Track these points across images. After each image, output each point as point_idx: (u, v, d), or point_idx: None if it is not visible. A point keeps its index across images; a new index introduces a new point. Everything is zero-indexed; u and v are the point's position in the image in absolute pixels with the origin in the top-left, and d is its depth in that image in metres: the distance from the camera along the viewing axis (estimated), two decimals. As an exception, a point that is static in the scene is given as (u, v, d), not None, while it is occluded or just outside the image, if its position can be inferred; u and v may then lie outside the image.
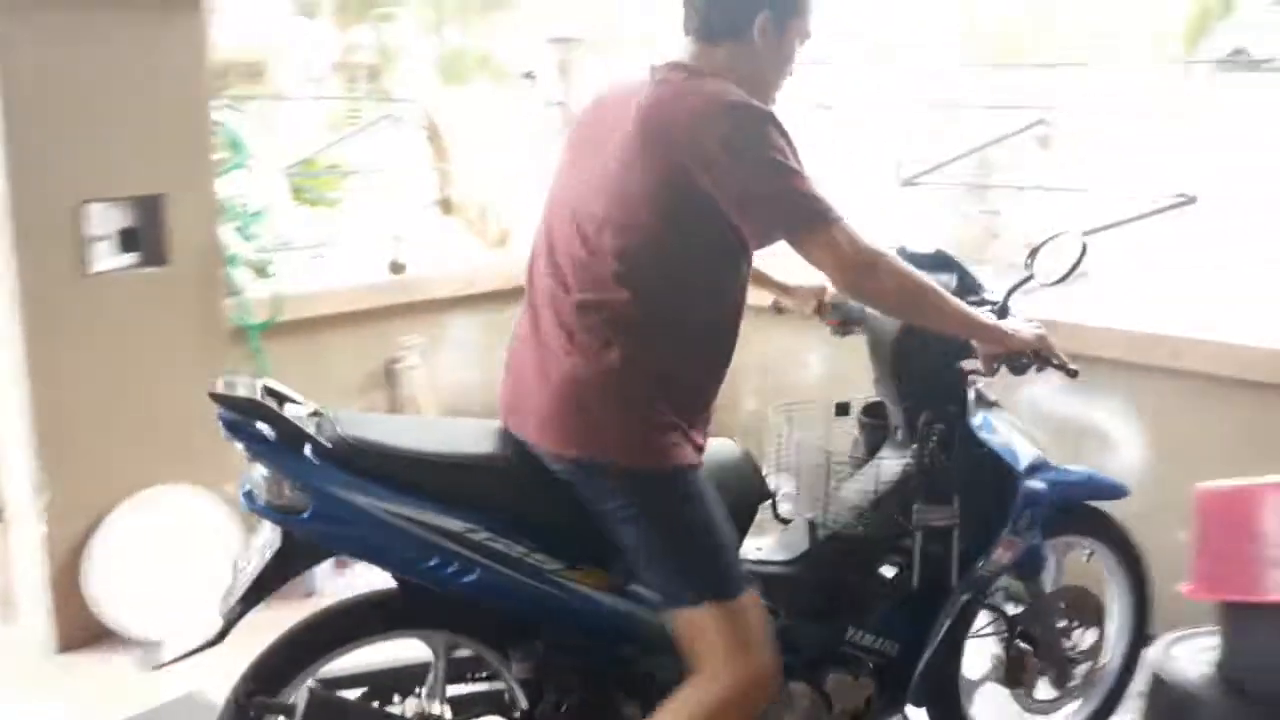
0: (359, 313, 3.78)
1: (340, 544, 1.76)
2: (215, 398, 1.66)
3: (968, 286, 2.12)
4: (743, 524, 1.91)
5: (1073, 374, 1.91)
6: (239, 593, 1.70)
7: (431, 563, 1.71)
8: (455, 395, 4.13)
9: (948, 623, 2.16)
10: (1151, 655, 2.01)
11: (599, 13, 4.36)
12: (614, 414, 1.72)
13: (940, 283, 1.87)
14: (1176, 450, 3.02)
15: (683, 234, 1.71)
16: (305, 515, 1.67)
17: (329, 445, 1.69)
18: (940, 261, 2.16)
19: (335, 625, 1.81)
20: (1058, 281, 2.06)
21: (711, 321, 1.80)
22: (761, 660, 1.74)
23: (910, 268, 1.76)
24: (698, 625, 1.73)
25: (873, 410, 2.22)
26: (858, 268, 1.70)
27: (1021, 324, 1.93)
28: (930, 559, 2.02)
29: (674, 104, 1.71)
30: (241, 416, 1.67)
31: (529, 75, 4.46)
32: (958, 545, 2.01)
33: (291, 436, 1.67)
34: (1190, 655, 2.01)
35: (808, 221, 1.68)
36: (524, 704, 1.84)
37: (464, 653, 1.87)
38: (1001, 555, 2.14)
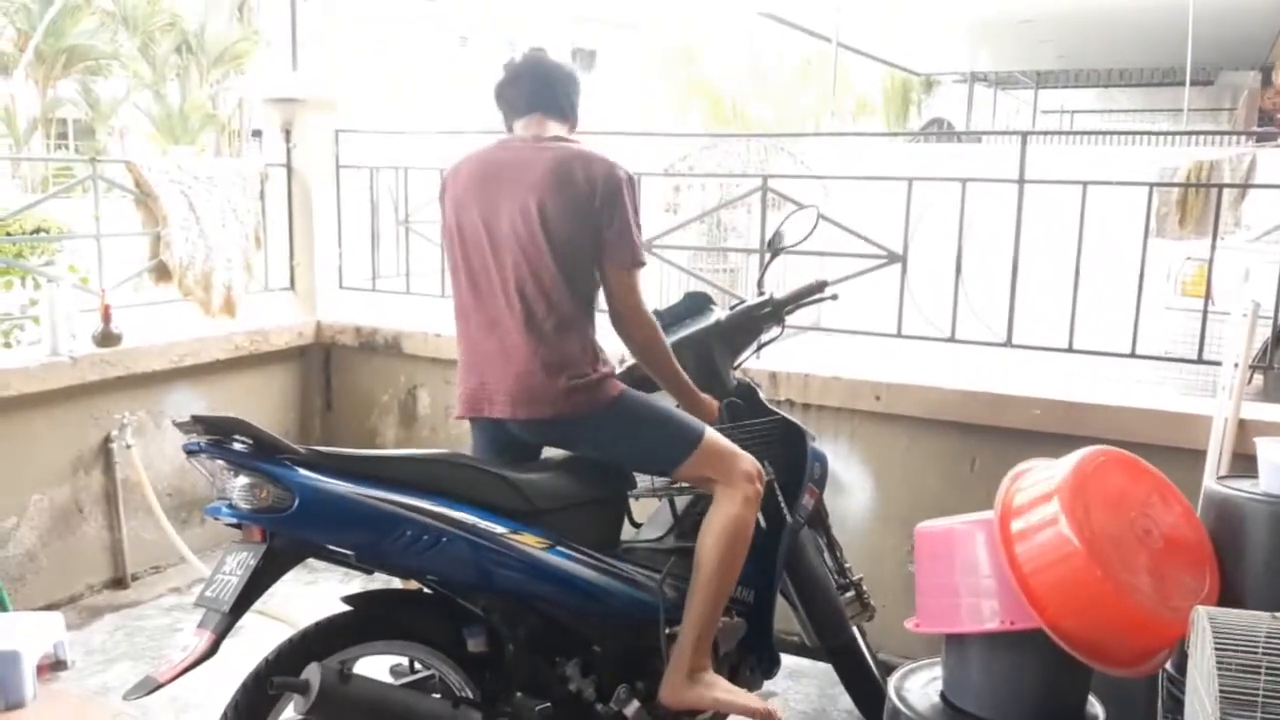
0: (63, 390, 3.47)
1: (323, 533, 1.95)
2: (198, 420, 1.89)
3: (733, 306, 2.70)
4: (619, 517, 2.42)
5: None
6: (227, 604, 1.83)
7: (405, 534, 1.97)
8: (179, 476, 3.86)
9: (784, 559, 2.56)
10: (890, 686, 2.14)
11: (319, 75, 4.26)
12: (570, 376, 2.25)
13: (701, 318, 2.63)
14: (895, 487, 3.27)
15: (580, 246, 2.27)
16: (290, 510, 1.87)
17: (301, 452, 1.94)
18: (698, 301, 2.74)
19: (320, 638, 1.99)
20: (798, 244, 2.69)
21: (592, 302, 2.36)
22: (746, 459, 2.36)
23: (660, 333, 2.38)
24: (695, 468, 2.32)
25: None
26: (638, 311, 2.30)
27: (706, 400, 2.48)
28: (764, 509, 2.45)
29: (576, 159, 2.27)
30: (221, 435, 1.90)
31: (257, 134, 4.29)
32: (780, 494, 2.53)
33: (269, 446, 1.91)
34: (919, 685, 2.15)
35: (634, 262, 2.28)
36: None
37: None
38: (806, 499, 2.61)
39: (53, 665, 3.11)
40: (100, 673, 3.13)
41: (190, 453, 1.94)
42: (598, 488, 2.35)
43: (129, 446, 3.65)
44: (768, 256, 2.82)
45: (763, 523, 2.50)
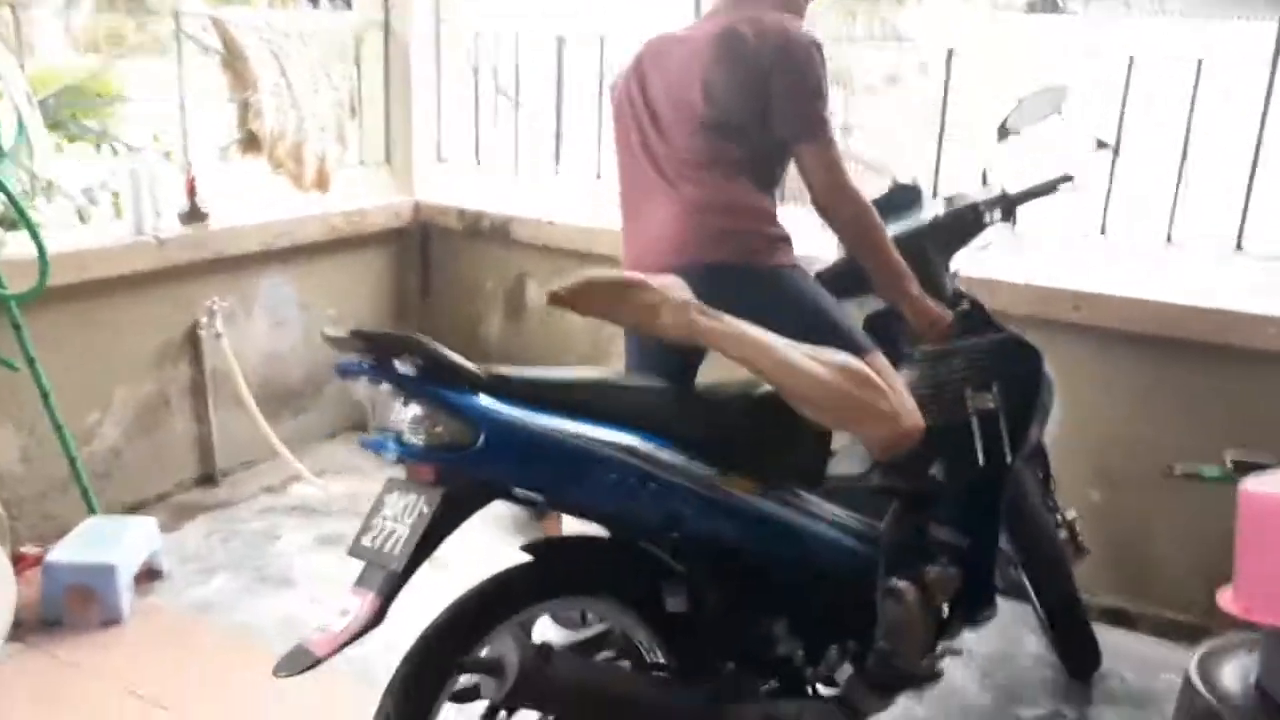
0: (148, 273, 3.13)
1: (513, 474, 1.61)
2: (360, 335, 1.52)
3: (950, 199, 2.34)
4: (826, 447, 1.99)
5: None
6: (398, 561, 1.49)
7: (609, 478, 1.65)
8: (270, 366, 3.54)
9: (1006, 501, 2.22)
10: (1192, 669, 1.78)
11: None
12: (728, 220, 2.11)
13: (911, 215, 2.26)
14: (1083, 404, 2.84)
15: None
16: (475, 448, 1.53)
17: (483, 376, 1.59)
18: (907, 194, 2.38)
19: (499, 595, 1.65)
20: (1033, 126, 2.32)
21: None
22: (913, 410, 1.98)
23: (873, 213, 2.10)
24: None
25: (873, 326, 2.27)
26: (839, 188, 2.07)
27: (936, 308, 2.15)
28: (987, 441, 2.12)
29: (746, 24, 2.07)
30: (387, 353, 1.54)
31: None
32: (1005, 426, 2.14)
33: (447, 369, 1.56)
34: (1228, 668, 1.79)
35: (815, 134, 2.05)
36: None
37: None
38: (1035, 431, 2.27)
39: (149, 575, 2.85)
40: (199, 585, 2.86)
41: (347, 373, 1.58)
42: None
43: (219, 335, 3.32)
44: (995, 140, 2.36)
45: (981, 458, 2.12)
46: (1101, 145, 2.64)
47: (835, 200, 2.08)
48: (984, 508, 2.18)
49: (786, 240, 2.14)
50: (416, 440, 1.56)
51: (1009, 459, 2.16)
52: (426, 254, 3.96)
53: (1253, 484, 1.74)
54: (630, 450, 1.67)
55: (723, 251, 2.07)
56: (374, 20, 3.76)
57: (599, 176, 3.70)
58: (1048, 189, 2.29)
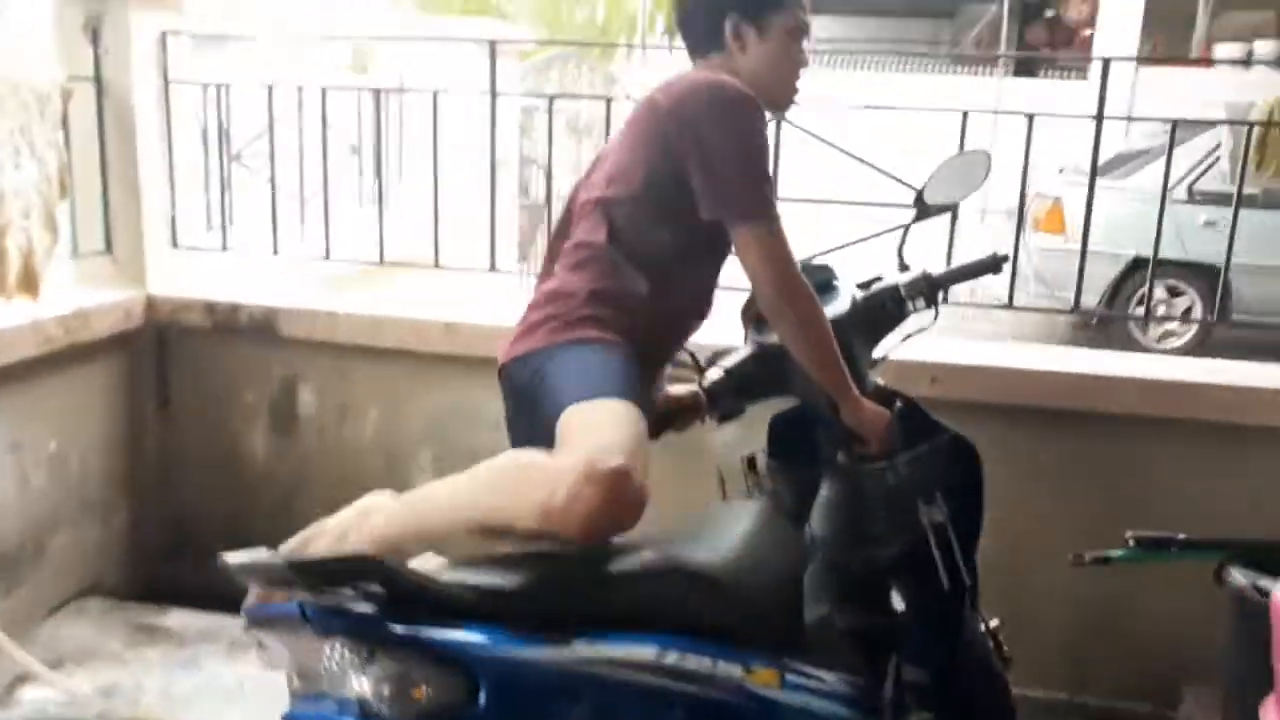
0: None
1: None
2: (300, 567, 1.06)
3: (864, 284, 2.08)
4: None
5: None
6: None
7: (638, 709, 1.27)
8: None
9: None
10: None
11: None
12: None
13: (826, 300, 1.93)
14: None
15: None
16: (477, 710, 1.09)
17: (465, 596, 1.16)
18: (818, 276, 2.02)
19: None
20: (958, 201, 2.09)
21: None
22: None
23: (820, 307, 1.83)
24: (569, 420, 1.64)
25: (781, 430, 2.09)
26: (785, 281, 1.77)
27: (876, 410, 1.88)
28: (944, 559, 1.87)
29: (673, 84, 1.84)
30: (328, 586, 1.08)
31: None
32: (955, 539, 1.88)
33: (413, 595, 1.11)
34: None
35: (753, 213, 1.75)
36: None
37: None
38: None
39: None
40: None
41: (264, 622, 1.05)
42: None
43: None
44: (912, 217, 2.14)
45: (945, 582, 1.89)
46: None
47: (784, 298, 1.79)
48: (950, 636, 1.93)
49: (595, 320, 1.77)
50: (387, 710, 1.08)
51: (966, 578, 1.93)
52: (164, 359, 3.23)
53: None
54: (662, 669, 1.28)
55: (518, 346, 1.82)
56: (82, 75, 3.01)
57: (381, 261, 3.21)
58: (977, 270, 2.11)
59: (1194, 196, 6.58)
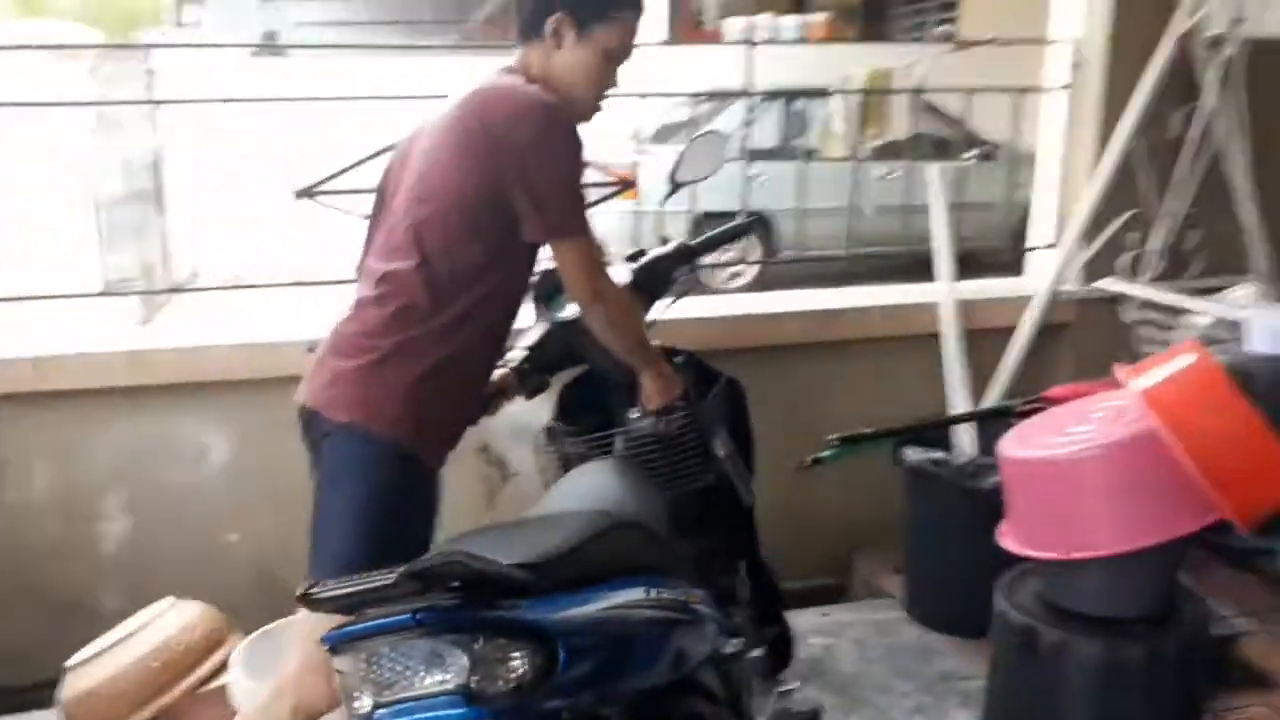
0: None
1: (589, 689, 1.29)
2: (416, 575, 1.18)
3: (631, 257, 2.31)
4: None
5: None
6: None
7: (653, 643, 1.46)
8: None
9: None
10: (997, 595, 2.14)
11: None
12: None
13: None
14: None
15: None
16: (560, 673, 1.22)
17: (518, 576, 1.25)
18: None
19: None
20: (704, 178, 2.33)
21: None
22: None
23: (628, 297, 2.03)
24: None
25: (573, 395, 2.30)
26: (598, 288, 1.90)
27: (671, 373, 2.09)
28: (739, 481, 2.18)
29: (496, 98, 1.85)
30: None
31: None
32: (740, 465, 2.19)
33: (486, 583, 1.23)
34: (1021, 591, 2.14)
35: (573, 233, 1.85)
36: None
37: None
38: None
39: None
40: None
41: (363, 635, 1.09)
42: None
43: None
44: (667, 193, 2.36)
45: (746, 498, 2.20)
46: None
47: (598, 300, 1.92)
48: (750, 547, 2.25)
49: (398, 411, 1.83)
50: (490, 690, 1.16)
51: (750, 496, 2.26)
52: None
53: (1007, 448, 2.10)
54: (653, 604, 1.46)
55: (321, 396, 1.87)
56: None
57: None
58: (731, 235, 2.40)
59: (744, 154, 7.53)
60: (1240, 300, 2.80)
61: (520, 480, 2.96)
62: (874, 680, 2.70)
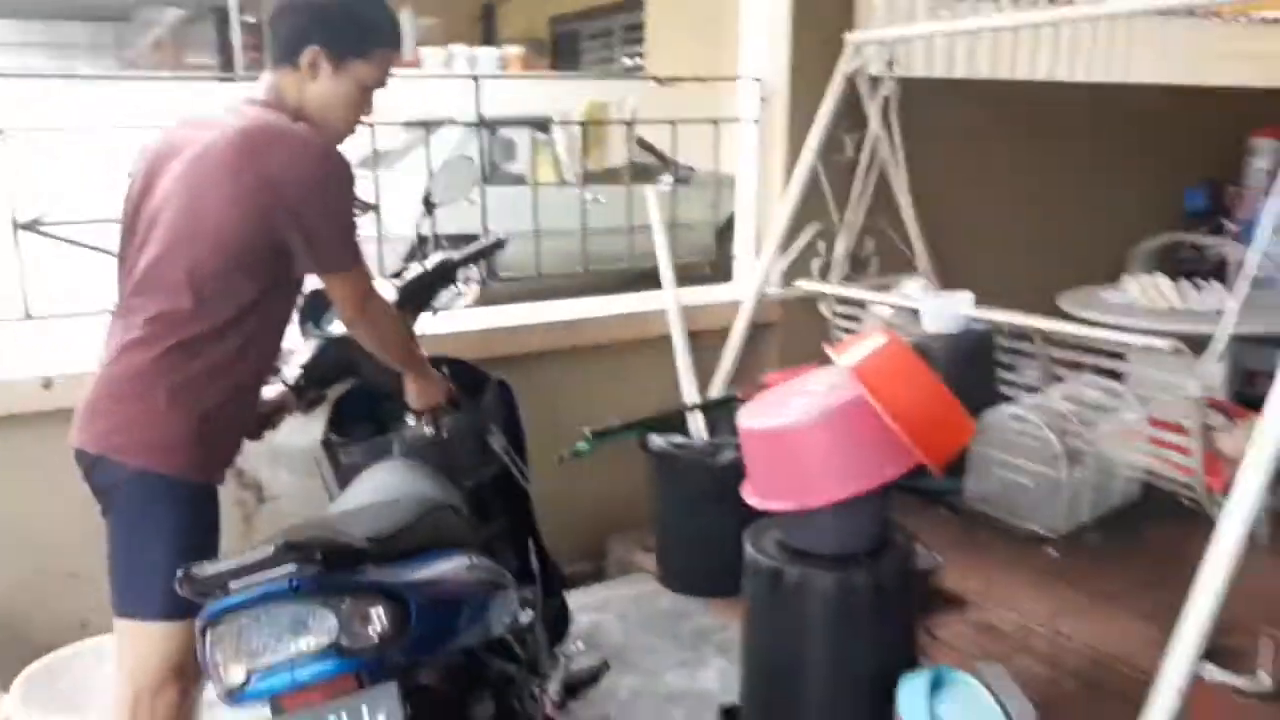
0: None
1: (431, 645, 1.49)
2: (293, 547, 1.32)
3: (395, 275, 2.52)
4: None
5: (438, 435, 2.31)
6: None
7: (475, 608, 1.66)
8: None
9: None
10: (745, 542, 2.47)
11: None
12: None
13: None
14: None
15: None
16: (411, 631, 1.40)
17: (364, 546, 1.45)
18: None
19: None
20: (457, 198, 2.61)
21: None
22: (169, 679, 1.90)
23: (394, 312, 2.15)
24: (124, 637, 1.91)
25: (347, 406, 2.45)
26: (367, 310, 1.99)
27: (440, 381, 2.27)
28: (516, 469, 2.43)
29: (267, 142, 1.83)
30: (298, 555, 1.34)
31: None
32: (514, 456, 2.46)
33: (344, 551, 1.41)
34: (764, 538, 2.48)
35: (345, 265, 1.92)
36: None
37: None
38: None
39: None
40: None
41: (263, 599, 1.22)
42: None
43: None
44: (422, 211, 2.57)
45: (524, 482, 2.44)
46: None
47: (365, 320, 2.01)
48: (533, 529, 2.48)
49: (175, 443, 1.86)
50: (356, 645, 1.32)
51: (528, 482, 2.51)
52: None
53: (744, 420, 2.47)
54: (475, 568, 1.66)
55: (91, 436, 1.89)
56: None
57: None
58: (485, 251, 2.61)
59: (483, 179, 7.72)
60: (912, 292, 3.38)
61: (278, 503, 3.03)
62: (640, 644, 3.01)
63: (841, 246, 3.81)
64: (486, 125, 3.67)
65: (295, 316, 2.27)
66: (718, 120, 3.95)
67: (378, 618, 1.36)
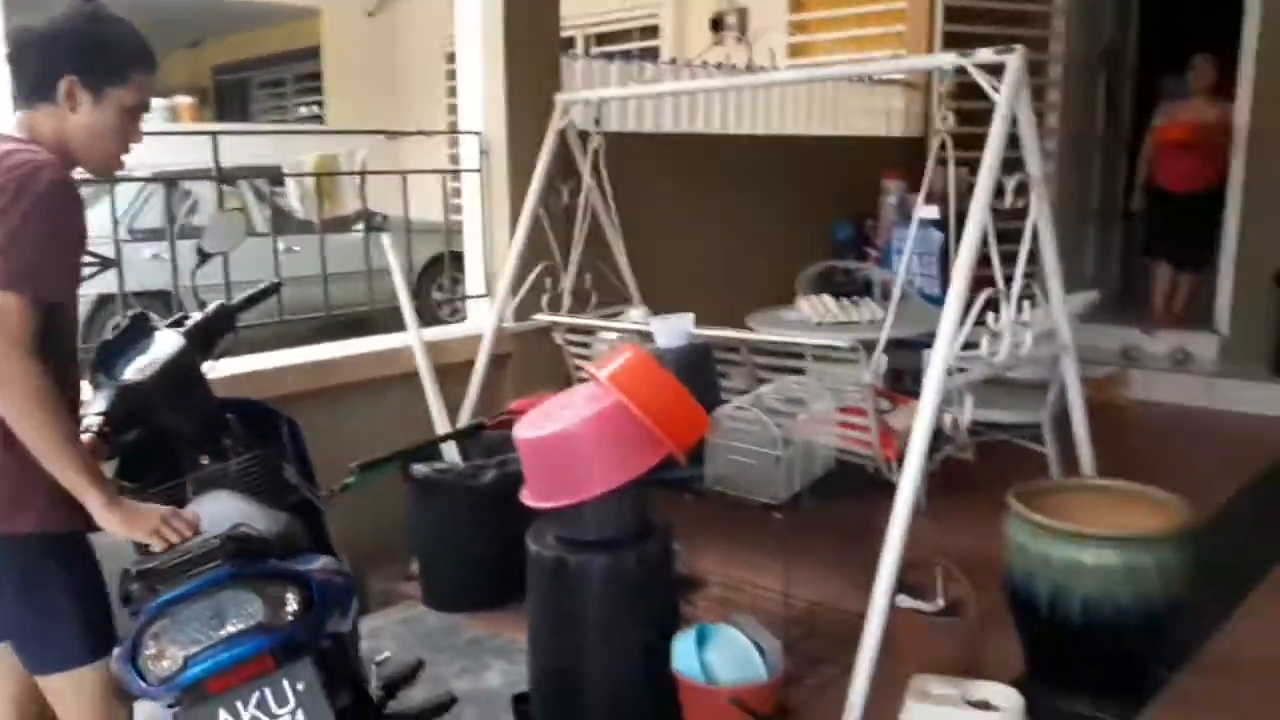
0: None
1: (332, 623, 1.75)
2: (233, 539, 1.58)
3: (174, 323, 2.49)
4: None
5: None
6: None
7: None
8: None
9: None
10: (528, 540, 2.81)
11: None
12: None
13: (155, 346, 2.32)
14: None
15: None
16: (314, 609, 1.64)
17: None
18: (140, 325, 2.42)
19: None
20: (231, 249, 2.68)
21: None
22: None
23: (38, 383, 1.71)
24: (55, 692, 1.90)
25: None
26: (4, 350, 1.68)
27: (141, 510, 1.81)
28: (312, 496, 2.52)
29: None
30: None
31: None
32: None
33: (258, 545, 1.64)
34: (543, 535, 2.79)
35: (16, 283, 1.70)
36: None
37: None
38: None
39: None
40: None
41: (209, 587, 1.41)
42: None
43: None
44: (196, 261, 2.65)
45: (323, 508, 2.61)
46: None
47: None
48: (328, 549, 2.65)
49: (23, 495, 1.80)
50: (276, 622, 1.53)
51: (324, 506, 2.67)
52: None
53: (521, 433, 2.79)
54: (333, 568, 1.89)
55: None
56: None
57: None
58: (258, 297, 2.73)
59: (135, 235, 7.35)
60: (636, 318, 3.85)
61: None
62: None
63: (567, 282, 4.23)
64: (225, 179, 3.76)
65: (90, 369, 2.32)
66: (444, 170, 4.28)
67: (292, 599, 1.57)
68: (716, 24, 8.52)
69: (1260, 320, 6.16)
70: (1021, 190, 3.03)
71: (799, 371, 3.45)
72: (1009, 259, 2.99)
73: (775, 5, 8.26)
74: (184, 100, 10.27)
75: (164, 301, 3.62)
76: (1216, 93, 6.51)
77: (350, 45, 11.26)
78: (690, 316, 3.35)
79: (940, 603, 2.98)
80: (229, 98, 13.50)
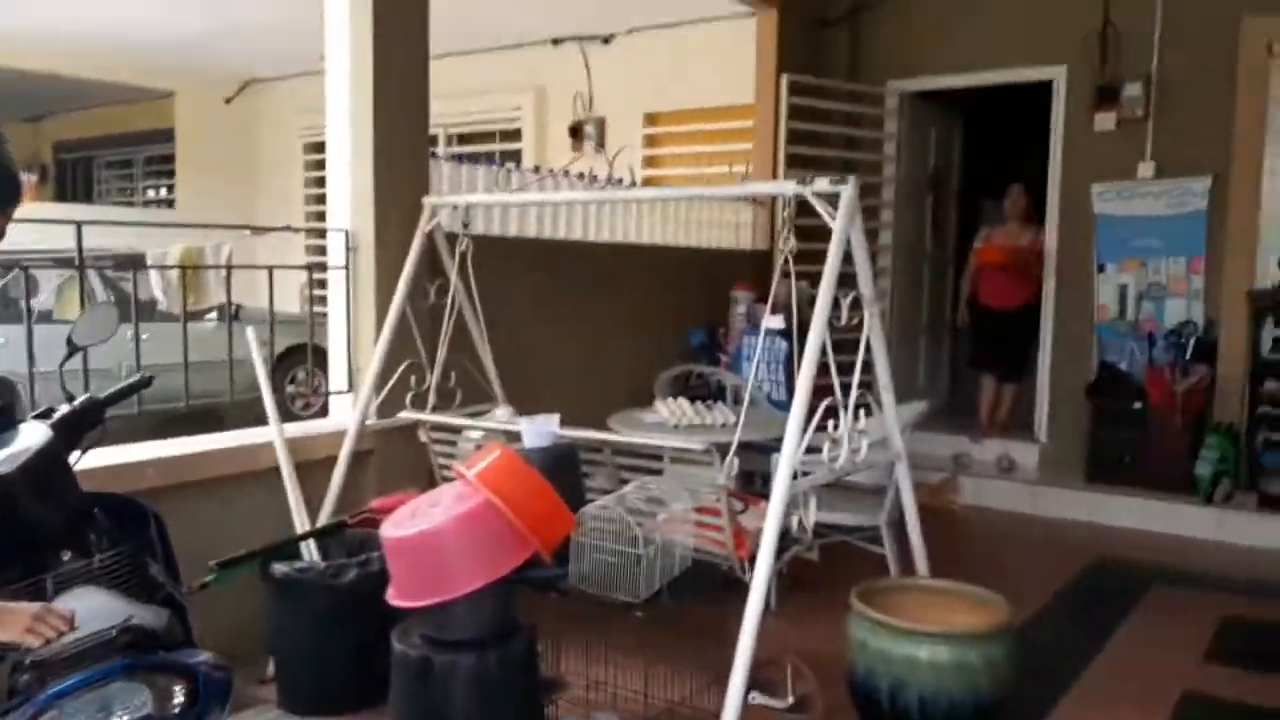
0: None
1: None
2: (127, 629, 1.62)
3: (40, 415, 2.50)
4: None
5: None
6: None
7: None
8: None
9: None
10: (394, 640, 2.82)
11: None
12: None
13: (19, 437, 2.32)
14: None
15: None
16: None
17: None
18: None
19: None
20: (101, 341, 2.72)
21: None
22: None
23: None
24: None
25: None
26: None
27: (10, 609, 1.77)
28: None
29: None
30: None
31: None
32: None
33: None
34: (409, 636, 2.81)
35: None
36: None
37: None
38: None
39: None
40: None
41: (102, 678, 1.43)
42: None
43: None
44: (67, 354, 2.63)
45: (184, 602, 2.58)
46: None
47: None
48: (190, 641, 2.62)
49: None
50: (164, 714, 1.56)
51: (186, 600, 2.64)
52: None
53: (389, 531, 2.83)
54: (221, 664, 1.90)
55: None
56: None
57: None
58: (129, 390, 2.72)
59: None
60: (501, 418, 3.95)
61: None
62: (277, 763, 3.18)
63: (431, 379, 4.30)
64: (83, 266, 3.71)
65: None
66: (310, 266, 4.31)
67: (179, 691, 1.59)
68: (575, 132, 8.88)
69: (1074, 430, 6.72)
70: (856, 306, 3.31)
71: (657, 472, 3.61)
72: (849, 369, 3.26)
73: (631, 118, 8.67)
74: (26, 177, 9.91)
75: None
76: (1028, 219, 7.19)
77: (206, 130, 11.13)
78: (556, 417, 3.48)
79: (790, 699, 3.15)
80: (72, 176, 13.06)
